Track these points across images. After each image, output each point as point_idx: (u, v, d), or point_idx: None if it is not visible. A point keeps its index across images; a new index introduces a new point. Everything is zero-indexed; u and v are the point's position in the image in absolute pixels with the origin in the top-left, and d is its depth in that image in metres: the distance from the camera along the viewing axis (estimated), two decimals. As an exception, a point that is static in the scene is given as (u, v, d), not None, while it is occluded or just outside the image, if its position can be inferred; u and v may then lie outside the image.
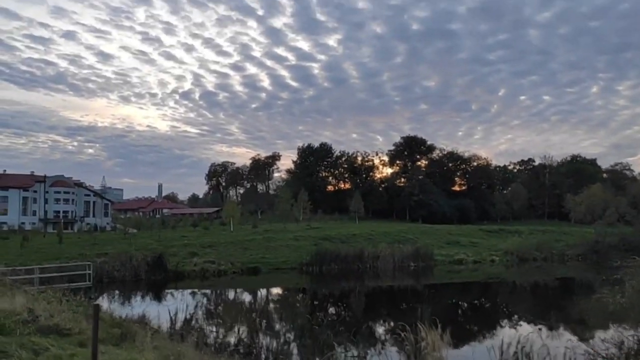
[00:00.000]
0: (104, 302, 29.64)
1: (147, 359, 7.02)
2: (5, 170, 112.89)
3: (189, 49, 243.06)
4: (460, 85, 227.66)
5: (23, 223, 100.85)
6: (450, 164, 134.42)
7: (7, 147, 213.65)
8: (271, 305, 32.68)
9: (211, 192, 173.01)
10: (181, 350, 7.66)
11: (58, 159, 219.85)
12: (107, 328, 10.78)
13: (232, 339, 12.74)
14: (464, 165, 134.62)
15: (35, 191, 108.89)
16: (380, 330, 24.76)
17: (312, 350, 14.26)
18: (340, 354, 14.49)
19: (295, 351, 14.45)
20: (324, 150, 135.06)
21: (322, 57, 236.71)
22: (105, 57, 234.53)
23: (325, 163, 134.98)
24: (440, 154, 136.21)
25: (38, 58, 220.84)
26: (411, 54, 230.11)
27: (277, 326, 22.47)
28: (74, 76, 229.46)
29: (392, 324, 26.55)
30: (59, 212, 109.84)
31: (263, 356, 11.60)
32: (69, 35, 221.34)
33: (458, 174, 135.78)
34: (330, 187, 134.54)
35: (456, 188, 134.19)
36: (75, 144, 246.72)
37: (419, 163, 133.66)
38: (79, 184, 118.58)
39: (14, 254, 45.40)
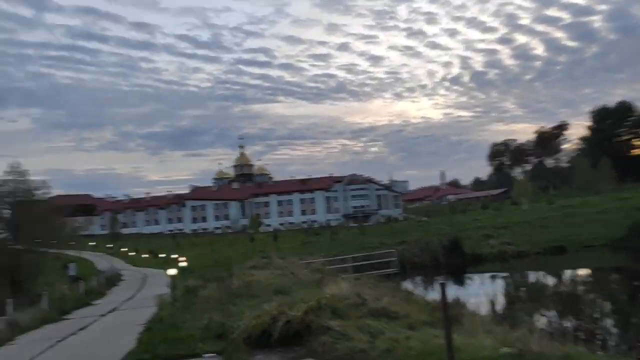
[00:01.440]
0: (409, 287, 30.75)
1: (488, 344, 6.50)
2: (310, 176, 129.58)
3: (453, 33, 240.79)
4: None
5: (329, 220, 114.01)
6: None
7: (306, 156, 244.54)
8: (586, 287, 29.24)
9: (495, 173, 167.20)
10: (519, 336, 6.91)
11: (348, 160, 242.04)
12: (429, 312, 10.77)
13: (566, 324, 11.39)
14: None
15: (335, 191, 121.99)
16: None
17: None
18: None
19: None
20: (623, 109, 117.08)
21: (603, 7, 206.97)
22: (376, 60, 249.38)
23: (627, 124, 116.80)
24: None
25: (321, 73, 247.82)
26: None
27: (593, 310, 19.72)
28: (351, 83, 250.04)
29: None
30: (356, 207, 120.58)
31: (611, 344, 10.02)
32: (343, 47, 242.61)
33: None
34: (636, 151, 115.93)
35: None
36: (361, 144, 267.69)
37: None
38: (370, 180, 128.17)
39: (326, 246, 51.21)
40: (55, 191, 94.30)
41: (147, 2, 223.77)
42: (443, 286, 5.13)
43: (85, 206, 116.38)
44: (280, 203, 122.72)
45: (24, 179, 31.19)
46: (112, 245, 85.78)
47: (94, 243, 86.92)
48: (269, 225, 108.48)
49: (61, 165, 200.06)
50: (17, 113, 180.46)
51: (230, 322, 11.05)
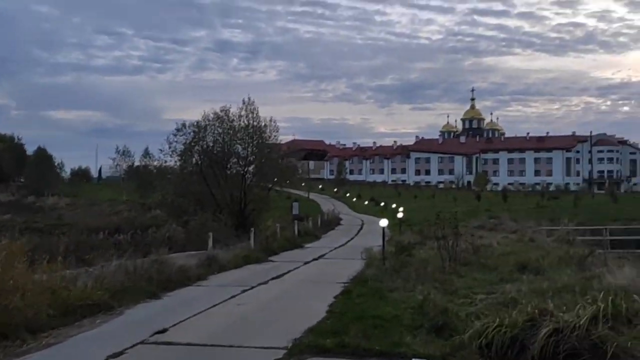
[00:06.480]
0: None
1: None
2: (547, 133, 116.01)
3: None
4: None
5: (567, 183, 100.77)
6: None
7: (542, 113, 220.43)
8: None
9: None
10: None
11: (591, 120, 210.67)
12: None
13: None
14: None
15: (577, 151, 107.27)
16: None
17: None
18: None
19: None
20: None
21: None
22: (636, 5, 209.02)
23: None
24: None
25: (566, 22, 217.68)
26: None
27: None
28: (603, 33, 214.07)
29: None
30: (602, 172, 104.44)
31: None
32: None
33: None
34: None
35: None
36: (609, 103, 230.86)
37: None
38: (624, 142, 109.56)
39: (567, 213, 43.76)
40: (292, 137, 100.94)
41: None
42: None
43: (318, 151, 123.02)
44: (511, 161, 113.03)
45: (256, 114, 31.36)
46: (337, 190, 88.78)
47: (321, 186, 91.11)
48: (496, 184, 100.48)
49: (301, 114, 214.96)
50: (266, 65, 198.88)
51: (456, 306, 7.64)
